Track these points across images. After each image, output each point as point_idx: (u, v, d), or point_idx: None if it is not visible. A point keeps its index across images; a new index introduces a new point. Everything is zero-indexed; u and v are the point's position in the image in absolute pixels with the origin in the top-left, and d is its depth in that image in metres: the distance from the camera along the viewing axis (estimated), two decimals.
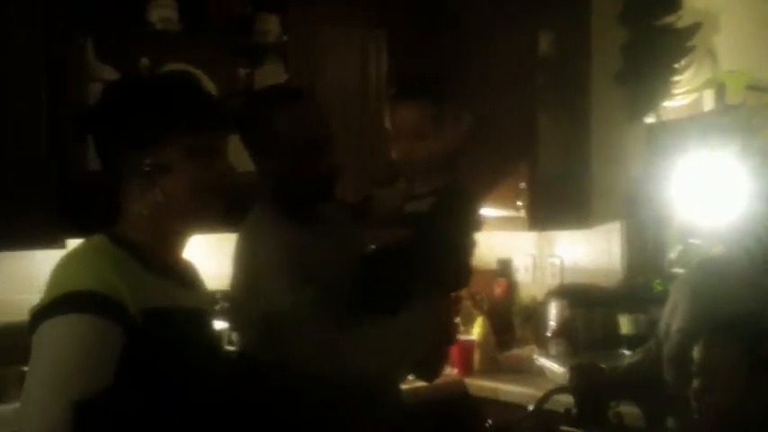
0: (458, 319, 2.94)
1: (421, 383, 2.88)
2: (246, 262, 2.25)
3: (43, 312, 1.53)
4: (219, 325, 2.88)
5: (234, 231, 2.25)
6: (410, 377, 2.83)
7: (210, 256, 3.36)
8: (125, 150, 1.65)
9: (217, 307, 3.02)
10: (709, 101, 4.18)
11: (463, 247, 2.41)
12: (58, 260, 1.62)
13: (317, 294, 2.15)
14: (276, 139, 2.26)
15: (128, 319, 1.53)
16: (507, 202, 3.87)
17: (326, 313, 2.15)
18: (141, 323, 1.55)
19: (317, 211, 2.39)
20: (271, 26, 3.50)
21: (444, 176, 2.48)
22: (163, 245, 1.72)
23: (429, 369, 2.51)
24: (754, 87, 3.95)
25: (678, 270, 3.55)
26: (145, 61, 3.15)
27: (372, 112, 3.65)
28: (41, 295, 1.57)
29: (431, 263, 2.34)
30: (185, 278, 1.78)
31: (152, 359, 1.55)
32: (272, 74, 3.52)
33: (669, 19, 3.85)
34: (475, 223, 2.48)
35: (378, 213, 2.52)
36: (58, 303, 1.52)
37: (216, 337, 1.91)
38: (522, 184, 3.84)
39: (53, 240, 2.79)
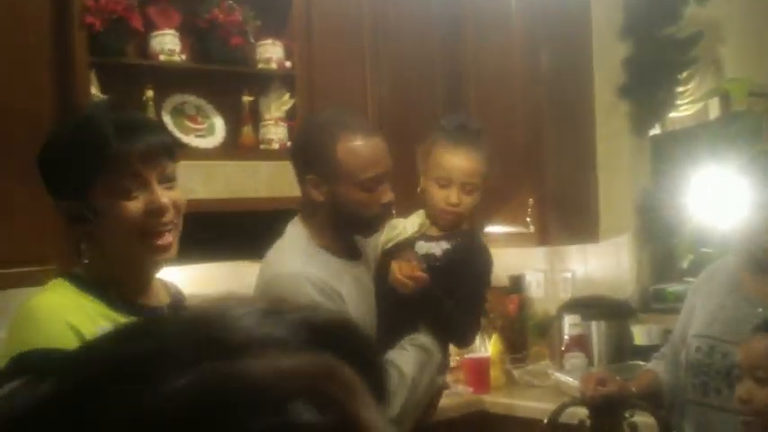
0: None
1: None
2: (283, 289, 2.13)
3: (3, 375, 1.48)
4: None
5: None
6: None
7: (207, 286, 3.39)
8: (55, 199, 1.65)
9: None
10: (714, 109, 4.18)
11: (471, 307, 2.38)
12: (18, 310, 1.57)
13: None
14: (334, 172, 2.18)
15: None
16: (516, 218, 3.88)
17: None
18: None
19: (355, 243, 2.36)
20: (274, 54, 3.53)
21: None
22: (126, 281, 1.66)
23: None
24: (758, 94, 3.95)
25: (690, 279, 3.54)
26: (149, 93, 3.18)
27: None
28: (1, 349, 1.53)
29: (435, 314, 2.31)
30: (163, 309, 1.73)
31: None
32: (277, 101, 3.55)
33: (670, 30, 3.86)
34: (487, 277, 2.45)
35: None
36: (17, 366, 1.48)
37: None
38: (531, 201, 3.85)
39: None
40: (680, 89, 3.95)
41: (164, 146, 1.65)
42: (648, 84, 3.91)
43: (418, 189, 2.47)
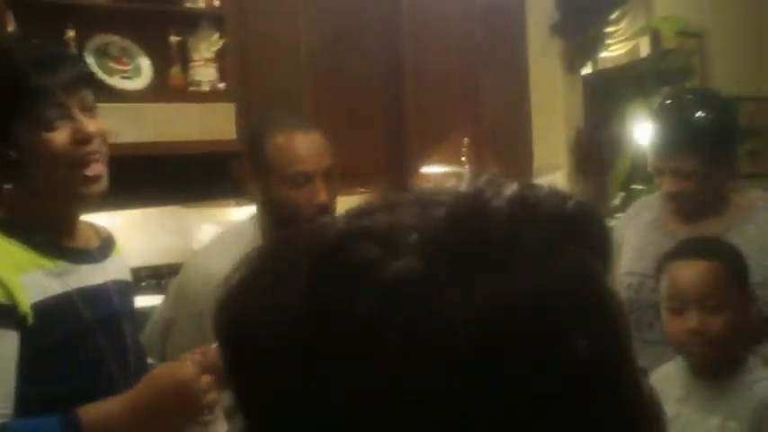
0: None
1: None
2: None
3: None
4: (145, 300, 2.74)
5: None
6: None
7: (137, 232, 3.34)
8: None
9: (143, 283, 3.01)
10: (645, 50, 4.21)
11: None
12: None
13: None
14: (264, 167, 2.14)
15: (19, 320, 1.44)
16: (452, 158, 3.87)
17: None
18: (33, 320, 1.46)
19: None
20: None
21: None
22: (53, 222, 1.60)
23: None
24: (686, 32, 3.99)
25: (621, 216, 3.59)
26: (71, 33, 3.06)
27: (306, 79, 3.59)
28: None
29: None
30: (92, 252, 1.67)
31: (49, 357, 1.48)
32: (206, 41, 3.46)
33: None
34: None
35: None
36: None
37: (131, 310, 1.74)
38: (466, 140, 3.85)
39: None
40: (611, 29, 3.98)
41: (82, 74, 1.61)
42: (580, 22, 3.92)
43: None
